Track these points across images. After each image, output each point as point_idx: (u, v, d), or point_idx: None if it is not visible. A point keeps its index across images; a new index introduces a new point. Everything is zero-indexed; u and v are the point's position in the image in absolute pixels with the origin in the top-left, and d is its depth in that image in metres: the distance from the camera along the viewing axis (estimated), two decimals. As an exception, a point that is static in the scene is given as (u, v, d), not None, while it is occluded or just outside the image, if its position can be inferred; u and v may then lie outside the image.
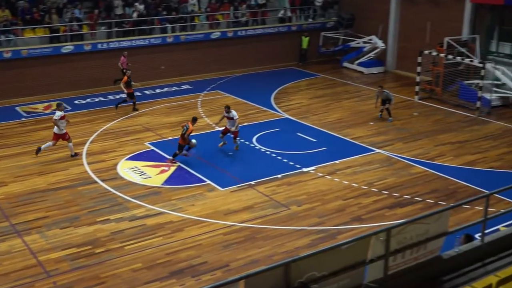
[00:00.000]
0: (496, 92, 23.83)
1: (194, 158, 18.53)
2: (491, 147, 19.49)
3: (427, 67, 25.61)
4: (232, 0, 31.43)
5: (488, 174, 17.37)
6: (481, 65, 23.08)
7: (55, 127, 18.29)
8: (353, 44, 31.63)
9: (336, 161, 18.18)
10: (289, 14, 32.47)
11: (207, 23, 30.14)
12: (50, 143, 18.43)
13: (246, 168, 17.84)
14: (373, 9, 31.31)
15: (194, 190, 16.26)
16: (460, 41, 26.10)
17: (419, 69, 24.91)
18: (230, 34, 30.10)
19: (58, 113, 18.21)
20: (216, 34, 29.67)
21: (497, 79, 23.83)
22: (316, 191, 16.21)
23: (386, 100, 22.25)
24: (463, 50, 25.37)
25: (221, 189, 16.35)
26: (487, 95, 23.27)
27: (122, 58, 26.01)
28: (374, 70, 30.32)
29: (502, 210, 9.39)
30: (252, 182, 16.73)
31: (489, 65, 23.34)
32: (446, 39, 25.38)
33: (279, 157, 18.48)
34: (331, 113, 23.21)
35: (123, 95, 23.68)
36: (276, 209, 15.14)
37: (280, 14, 32.39)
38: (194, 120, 18.10)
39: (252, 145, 19.67)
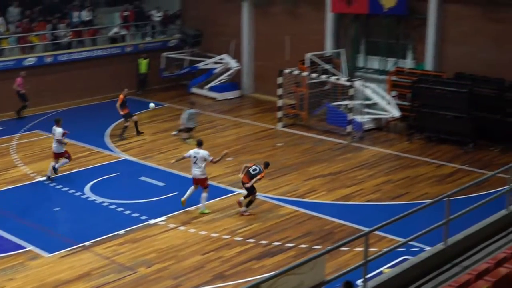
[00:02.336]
0: (367, 113, 25.25)
1: (9, 218, 17.65)
2: (367, 177, 20.52)
3: (290, 89, 26.61)
4: (48, 18, 30.74)
5: (366, 208, 18.23)
6: (348, 83, 24.38)
7: (56, 145, 20.27)
8: (201, 65, 32.13)
9: (191, 208, 18.19)
10: (122, 32, 32.37)
11: (18, 47, 29.16)
12: (67, 160, 20.57)
13: (79, 225, 17.32)
14: (223, 23, 32.11)
15: (11, 260, 15.46)
16: (324, 56, 27.47)
17: (280, 91, 25.80)
18: (49, 60, 29.36)
19: (60, 130, 20.22)
20: (30, 60, 28.79)
21: (368, 98, 25.27)
22: (168, 246, 16.05)
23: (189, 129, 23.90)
24: (327, 67, 26.68)
25: (48, 255, 15.71)
26: (358, 118, 24.58)
27: (19, 79, 26.87)
28: (229, 95, 30.95)
29: (384, 249, 9.84)
30: (88, 243, 16.24)
31: (357, 83, 24.71)
32: (308, 55, 26.58)
33: (120, 209, 18.13)
34: (181, 150, 23.25)
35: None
36: (120, 273, 14.78)
37: (111, 33, 32.21)
38: (267, 165, 17.99)
39: (84, 196, 19.15)
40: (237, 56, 31.49)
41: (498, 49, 23.95)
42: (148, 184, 20.09)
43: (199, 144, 17.92)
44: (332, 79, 25.44)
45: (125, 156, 22.68)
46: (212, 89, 31.04)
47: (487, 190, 18.40)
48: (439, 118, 23.61)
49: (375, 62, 27.59)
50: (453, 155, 22.44)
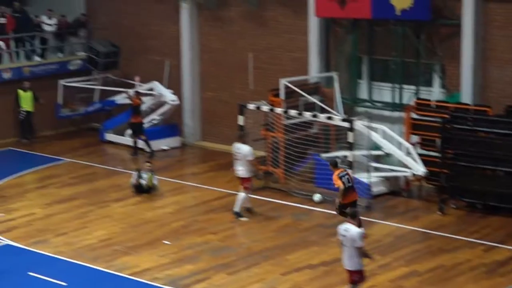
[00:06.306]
0: (377, 170, 25.26)
1: None
2: (380, 267, 20.32)
3: (257, 134, 26.55)
4: None
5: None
6: (346, 124, 24.40)
7: (242, 168, 23.44)
8: (120, 99, 32.01)
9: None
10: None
11: None
12: (244, 194, 23.65)
13: None
14: (152, 34, 32.23)
15: None
16: (308, 84, 27.57)
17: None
18: None
19: (248, 148, 23.40)
20: None
21: (377, 147, 25.32)
22: None
23: None
24: (313, 99, 26.71)
25: None
26: (364, 177, 24.56)
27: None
28: (164, 143, 30.86)
29: None
30: None
31: (359, 124, 24.69)
32: (283, 81, 26.61)
33: (-1, 324, 17.95)
34: (91, 229, 23.04)
35: None
36: None
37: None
38: (335, 164, 21.54)
39: None
40: (174, 84, 31.50)
41: None
42: (40, 282, 19.88)
43: (353, 216, 17.61)
44: (321, 117, 25.51)
45: (5, 240, 22.45)
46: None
47: None
48: (485, 176, 23.76)
49: (385, 92, 27.80)
50: (509, 231, 22.60)
